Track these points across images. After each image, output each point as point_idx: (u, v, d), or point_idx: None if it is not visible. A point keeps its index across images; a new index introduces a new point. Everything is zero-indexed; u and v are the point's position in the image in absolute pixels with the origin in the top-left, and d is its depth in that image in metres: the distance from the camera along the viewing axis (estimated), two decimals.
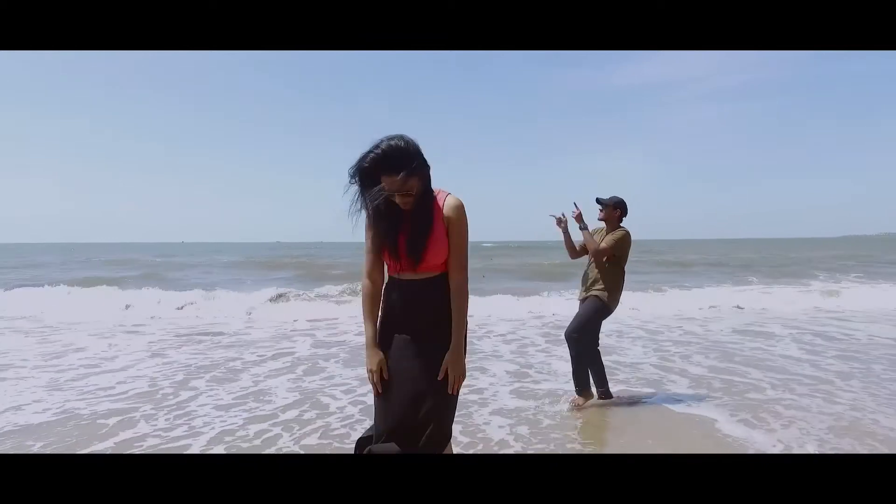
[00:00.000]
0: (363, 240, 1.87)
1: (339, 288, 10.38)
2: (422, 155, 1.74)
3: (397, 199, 1.74)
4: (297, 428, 3.25)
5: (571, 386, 3.69)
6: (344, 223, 1.81)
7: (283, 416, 3.46)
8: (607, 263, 3.63)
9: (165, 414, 3.51)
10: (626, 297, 4.38)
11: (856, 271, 16.20)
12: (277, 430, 3.21)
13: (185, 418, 3.43)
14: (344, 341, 6.10)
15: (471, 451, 2.90)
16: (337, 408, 3.64)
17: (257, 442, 3.02)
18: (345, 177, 1.76)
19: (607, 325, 4.45)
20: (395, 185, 1.69)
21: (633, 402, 3.74)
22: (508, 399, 3.81)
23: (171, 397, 3.91)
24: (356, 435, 3.17)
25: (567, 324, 3.73)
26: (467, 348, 1.89)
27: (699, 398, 3.78)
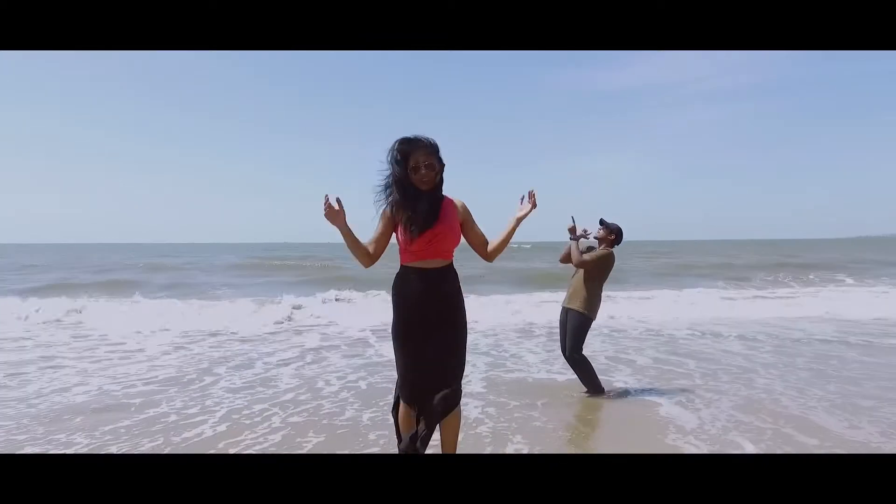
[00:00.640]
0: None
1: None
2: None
3: (422, 172, 2.17)
4: (292, 407, 3.87)
5: (539, 374, 4.35)
6: (373, 197, 2.26)
7: (281, 398, 4.09)
8: (586, 280, 4.03)
9: (184, 396, 4.15)
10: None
11: (844, 273, 16.70)
12: (275, 409, 3.82)
13: (201, 399, 4.08)
14: (348, 336, 6.77)
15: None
16: (330, 392, 4.30)
17: (257, 419, 3.61)
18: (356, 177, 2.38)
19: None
20: (425, 158, 2.16)
21: (619, 395, 4.35)
22: (480, 386, 4.48)
23: (195, 382, 4.59)
24: (349, 413, 3.85)
25: (555, 332, 4.30)
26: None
27: (645, 385, 4.49)
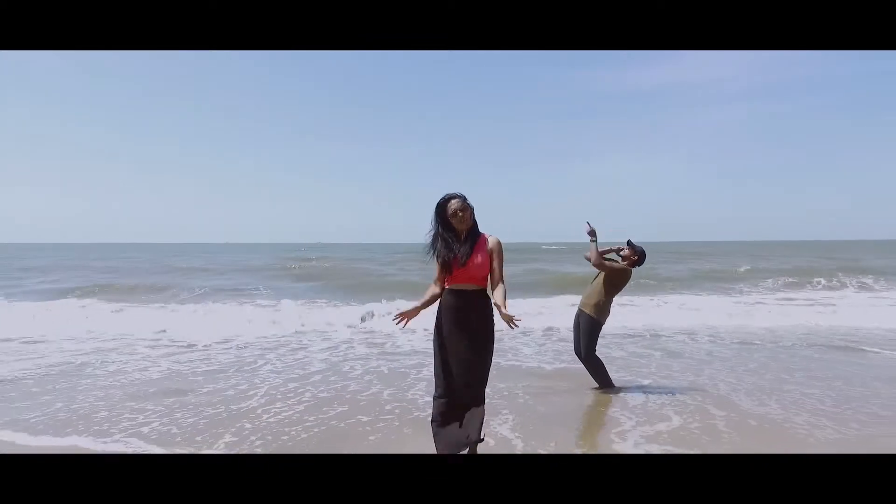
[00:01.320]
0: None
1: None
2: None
3: (458, 218, 2.78)
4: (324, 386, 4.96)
5: (530, 363, 5.32)
6: (426, 253, 2.88)
7: (312, 379, 5.18)
8: (604, 288, 4.57)
9: (236, 374, 5.30)
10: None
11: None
12: (307, 387, 4.90)
13: (250, 377, 5.22)
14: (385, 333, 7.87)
15: None
16: (355, 375, 5.38)
17: (291, 395, 4.68)
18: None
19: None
20: (459, 205, 2.78)
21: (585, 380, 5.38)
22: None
23: (250, 364, 5.77)
24: (374, 390, 4.88)
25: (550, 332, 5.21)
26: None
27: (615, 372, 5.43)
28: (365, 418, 4.01)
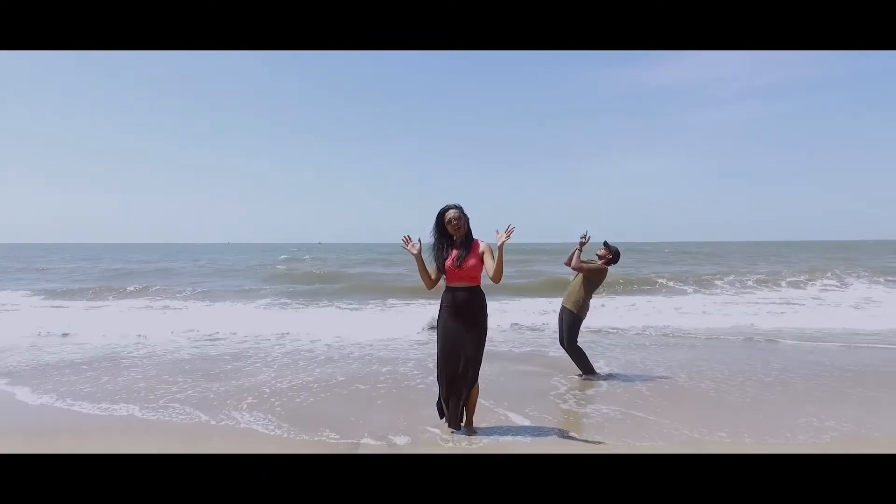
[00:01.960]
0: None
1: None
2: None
3: (453, 225, 3.17)
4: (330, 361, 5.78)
5: (502, 348, 6.15)
6: (428, 254, 3.30)
7: (321, 357, 6.07)
8: (583, 286, 4.99)
9: (250, 354, 6.20)
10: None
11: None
12: (313, 365, 5.70)
13: (262, 356, 6.12)
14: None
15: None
16: (361, 354, 6.25)
17: (299, 370, 5.47)
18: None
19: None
20: (454, 214, 3.20)
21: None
22: None
23: (267, 348, 6.67)
24: (373, 367, 5.73)
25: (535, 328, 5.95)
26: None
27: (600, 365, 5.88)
28: (363, 386, 4.84)
